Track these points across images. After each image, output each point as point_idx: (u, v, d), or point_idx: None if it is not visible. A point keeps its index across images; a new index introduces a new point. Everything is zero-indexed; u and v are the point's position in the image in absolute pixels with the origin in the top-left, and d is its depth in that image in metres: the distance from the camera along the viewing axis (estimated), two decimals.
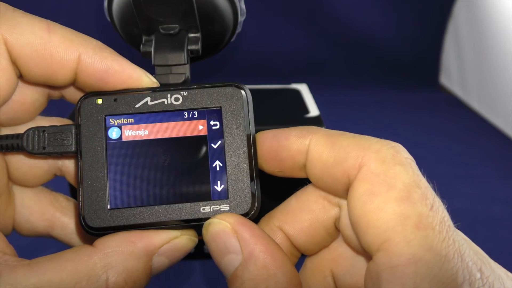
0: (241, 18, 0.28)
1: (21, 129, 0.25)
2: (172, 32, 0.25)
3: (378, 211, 0.19)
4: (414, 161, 0.21)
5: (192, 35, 0.26)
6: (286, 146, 0.22)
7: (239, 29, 0.28)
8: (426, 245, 0.18)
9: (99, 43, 0.23)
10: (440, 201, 0.20)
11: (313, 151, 0.22)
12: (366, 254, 0.20)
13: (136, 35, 0.27)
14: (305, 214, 0.23)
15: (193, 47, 0.26)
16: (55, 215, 0.26)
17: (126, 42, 0.29)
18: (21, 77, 0.23)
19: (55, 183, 0.28)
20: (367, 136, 0.21)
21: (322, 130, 0.22)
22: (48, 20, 0.23)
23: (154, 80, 0.24)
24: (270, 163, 0.23)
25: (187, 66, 0.25)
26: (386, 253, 0.18)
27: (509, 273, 0.20)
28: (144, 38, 0.26)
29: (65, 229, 0.27)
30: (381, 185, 0.19)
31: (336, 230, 0.23)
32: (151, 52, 0.25)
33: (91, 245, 0.22)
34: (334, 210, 0.23)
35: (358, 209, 0.20)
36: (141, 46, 0.26)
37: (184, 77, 0.25)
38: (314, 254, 0.25)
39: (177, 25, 0.25)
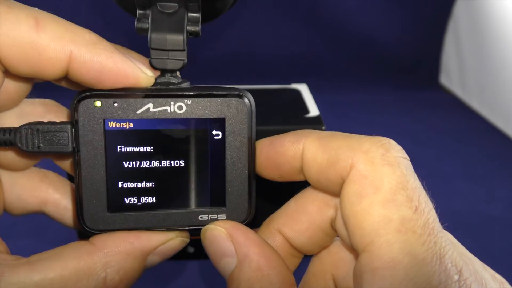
0: None
1: (4, 117, 0.24)
2: (170, 11, 0.24)
3: (365, 213, 0.19)
4: (406, 158, 0.21)
5: (192, 14, 0.24)
6: (282, 153, 0.23)
7: None
8: (405, 249, 0.18)
9: (93, 38, 0.22)
10: (428, 201, 0.20)
11: (307, 155, 0.22)
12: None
13: (128, 2, 0.25)
14: (302, 216, 0.24)
15: (193, 28, 0.24)
16: (47, 191, 0.26)
17: (117, 5, 0.27)
18: (6, 71, 0.22)
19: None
20: (358, 135, 0.22)
21: (315, 133, 0.22)
22: (37, 10, 0.21)
23: (151, 74, 0.23)
24: (269, 170, 0.24)
25: (185, 51, 0.24)
26: (369, 255, 0.19)
27: (496, 275, 0.20)
28: (138, 12, 0.24)
29: (57, 205, 0.26)
30: (369, 187, 0.20)
31: (333, 230, 0.24)
32: (146, 29, 0.24)
33: (89, 242, 0.22)
34: (329, 212, 0.23)
35: (348, 210, 0.20)
36: (136, 21, 0.24)
37: (182, 63, 0.24)
38: (316, 259, 0.26)
39: (176, 4, 0.24)
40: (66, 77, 0.23)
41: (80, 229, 0.26)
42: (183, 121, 0.23)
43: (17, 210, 0.26)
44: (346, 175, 0.20)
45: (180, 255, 0.49)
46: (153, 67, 0.24)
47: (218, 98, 0.23)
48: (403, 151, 0.21)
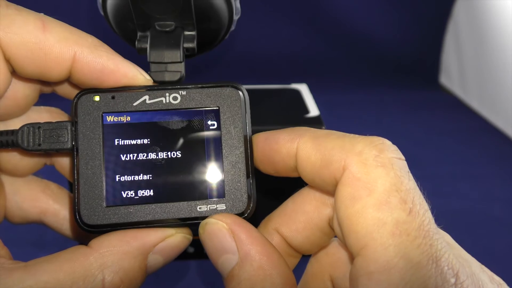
0: (235, 17, 0.28)
1: (12, 124, 0.25)
2: (168, 29, 0.25)
3: (358, 216, 0.19)
4: (401, 159, 0.20)
5: (188, 33, 0.26)
6: (277, 150, 0.23)
7: (233, 27, 0.28)
8: (400, 252, 0.18)
9: (95, 41, 0.23)
10: (422, 202, 0.19)
11: (301, 154, 0.22)
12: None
13: (130, 30, 0.27)
14: (300, 215, 0.24)
15: (188, 45, 0.26)
16: (47, 202, 0.27)
17: (119, 36, 0.28)
18: (14, 72, 0.23)
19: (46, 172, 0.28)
20: (352, 135, 0.21)
21: (309, 132, 0.22)
22: (43, 15, 0.22)
23: (149, 78, 0.24)
24: (264, 165, 0.24)
25: (183, 64, 0.25)
26: (364, 259, 0.19)
27: (495, 276, 0.20)
28: (139, 34, 0.26)
29: (57, 215, 0.27)
30: (362, 189, 0.19)
31: (330, 229, 0.24)
32: (146, 48, 0.25)
33: (86, 246, 0.22)
34: (327, 211, 0.23)
35: (342, 212, 0.20)
36: (136, 42, 0.26)
37: (179, 75, 0.25)
38: (314, 260, 0.26)
39: (173, 23, 0.25)
40: (68, 80, 0.24)
41: (77, 236, 0.26)
42: (178, 112, 0.24)
43: (17, 218, 0.27)
44: (339, 177, 0.20)
45: (180, 255, 0.49)
46: (152, 80, 0.25)
47: (212, 89, 0.24)
48: (398, 151, 0.21)
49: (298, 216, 0.24)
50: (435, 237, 0.19)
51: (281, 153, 0.23)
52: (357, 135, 0.21)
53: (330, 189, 0.21)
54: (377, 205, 0.19)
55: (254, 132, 0.24)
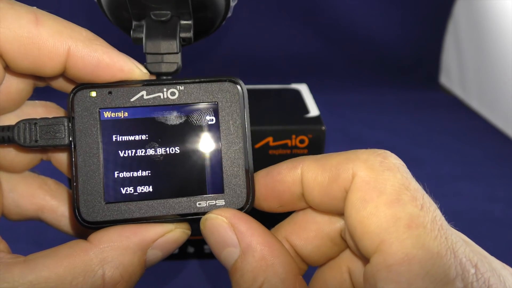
0: (232, 3, 0.27)
1: (6, 119, 0.24)
2: (163, 18, 0.25)
3: (371, 216, 0.19)
4: (403, 165, 0.21)
5: (184, 22, 0.26)
6: (280, 180, 0.23)
7: (230, 14, 0.28)
8: (418, 244, 0.18)
9: (89, 34, 0.23)
10: (431, 201, 0.20)
11: (307, 177, 0.22)
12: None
13: (125, 19, 0.26)
14: (311, 224, 0.24)
15: (185, 35, 0.25)
16: (45, 198, 0.26)
17: (113, 24, 0.28)
18: (7, 67, 0.23)
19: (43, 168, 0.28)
20: (353, 150, 0.22)
21: (310, 157, 0.23)
22: (36, 8, 0.22)
23: (145, 71, 0.24)
24: (269, 201, 0.24)
25: (179, 54, 0.25)
26: (381, 254, 0.19)
27: None
28: (134, 23, 0.25)
29: (54, 212, 0.26)
30: (372, 191, 0.20)
31: (342, 240, 0.24)
32: (142, 38, 0.25)
33: (86, 240, 0.22)
34: (339, 222, 0.23)
35: (353, 217, 0.20)
36: (131, 32, 0.25)
37: (176, 66, 0.25)
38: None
39: (169, 12, 0.25)
40: (63, 75, 0.24)
41: (77, 233, 0.26)
42: (176, 108, 0.23)
43: (15, 215, 0.26)
44: (349, 186, 0.21)
45: (180, 255, 0.49)
46: (148, 71, 0.24)
47: (210, 83, 0.24)
48: (400, 159, 0.21)
49: (309, 225, 0.24)
50: (448, 231, 0.19)
51: (286, 182, 0.23)
52: (357, 149, 0.22)
53: (341, 207, 0.22)
54: (389, 203, 0.19)
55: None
